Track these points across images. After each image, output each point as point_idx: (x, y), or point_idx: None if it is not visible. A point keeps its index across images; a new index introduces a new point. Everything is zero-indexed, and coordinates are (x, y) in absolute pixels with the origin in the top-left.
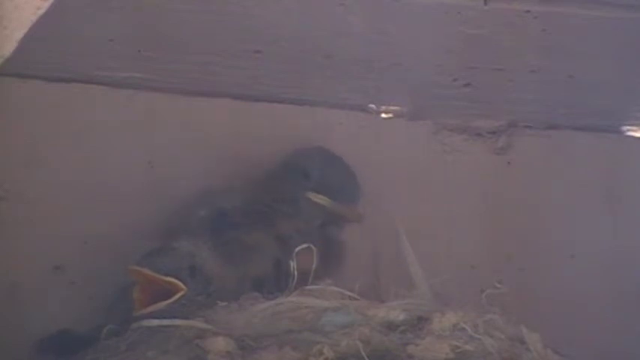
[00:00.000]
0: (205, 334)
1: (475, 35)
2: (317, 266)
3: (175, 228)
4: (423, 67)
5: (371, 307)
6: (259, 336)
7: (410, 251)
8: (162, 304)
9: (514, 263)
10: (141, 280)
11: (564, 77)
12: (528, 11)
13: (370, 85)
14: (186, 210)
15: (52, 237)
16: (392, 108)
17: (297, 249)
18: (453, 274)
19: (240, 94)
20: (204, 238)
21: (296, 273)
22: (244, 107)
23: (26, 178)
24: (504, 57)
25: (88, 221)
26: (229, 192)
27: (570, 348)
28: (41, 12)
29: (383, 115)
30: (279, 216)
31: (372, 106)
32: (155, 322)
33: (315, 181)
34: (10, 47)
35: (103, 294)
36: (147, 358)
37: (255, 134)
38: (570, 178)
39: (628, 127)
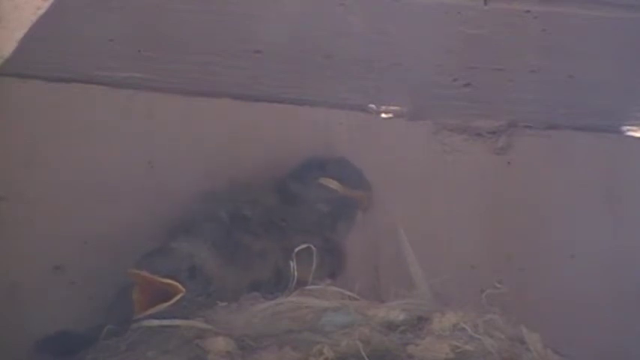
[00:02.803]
0: (205, 334)
1: (475, 35)
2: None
3: (186, 226)
4: (423, 67)
5: (371, 307)
6: (259, 336)
7: (410, 251)
8: (162, 307)
9: (514, 263)
10: (140, 282)
11: (564, 77)
12: (528, 11)
13: (370, 85)
14: (203, 208)
15: (52, 237)
16: (392, 108)
17: (296, 249)
18: (453, 274)
19: (240, 94)
20: (204, 237)
21: (296, 273)
22: (244, 107)
23: (26, 178)
24: (504, 57)
25: (88, 221)
26: (252, 201)
27: (570, 348)
28: (41, 12)
29: (383, 115)
30: (294, 232)
31: (372, 106)
32: (155, 322)
33: (329, 172)
34: (10, 47)
35: (103, 294)
36: (147, 358)
37: (255, 134)
38: (570, 178)
39: (628, 127)
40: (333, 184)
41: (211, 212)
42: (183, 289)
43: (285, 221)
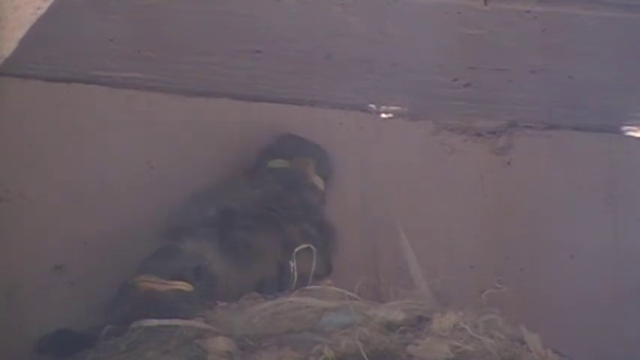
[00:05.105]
0: (205, 334)
1: (475, 35)
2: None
3: (179, 227)
4: (423, 67)
5: (371, 307)
6: (259, 336)
7: (410, 251)
8: None
9: (514, 263)
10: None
11: (564, 77)
12: (528, 11)
13: (370, 85)
14: (191, 208)
15: (52, 237)
16: (392, 108)
17: (297, 249)
18: (453, 274)
19: (240, 94)
20: (210, 238)
21: (296, 273)
22: (244, 107)
23: (26, 178)
24: (504, 57)
25: (88, 221)
26: (237, 191)
27: (570, 348)
28: (41, 12)
29: (383, 115)
30: (286, 221)
31: (372, 106)
32: (155, 322)
33: (274, 152)
34: (10, 47)
35: (103, 294)
36: (147, 358)
37: (255, 134)
38: (570, 178)
39: (628, 127)
40: (278, 163)
41: (202, 211)
42: (192, 287)
43: (274, 211)
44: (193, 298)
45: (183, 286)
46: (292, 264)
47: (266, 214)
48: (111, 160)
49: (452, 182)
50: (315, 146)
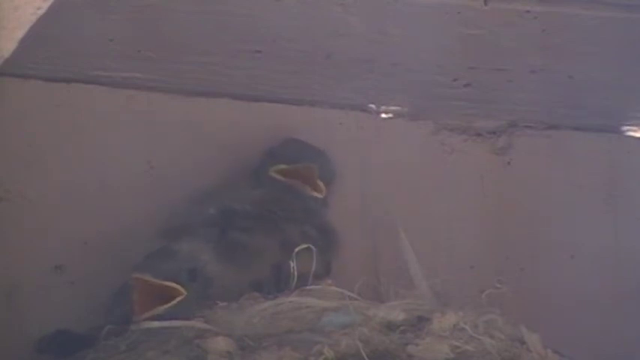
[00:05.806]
0: (205, 334)
1: (475, 35)
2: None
3: (178, 227)
4: (423, 67)
5: (371, 307)
6: (259, 336)
7: (410, 251)
8: (161, 309)
9: (514, 263)
10: (141, 285)
11: (564, 77)
12: (528, 11)
13: (370, 85)
14: (191, 208)
15: (52, 237)
16: (392, 108)
17: (296, 249)
18: (453, 274)
19: (240, 94)
20: (208, 238)
21: (296, 273)
22: (244, 107)
23: (26, 178)
24: (504, 57)
25: (88, 221)
26: (237, 192)
27: (570, 348)
28: (41, 12)
29: (383, 115)
30: (286, 222)
31: (372, 106)
32: (155, 322)
33: (276, 155)
34: (10, 47)
35: (103, 294)
36: (147, 358)
37: (255, 134)
38: (570, 178)
39: (628, 127)
40: (280, 169)
41: (202, 210)
42: (184, 292)
43: (274, 212)
44: (189, 300)
45: (177, 287)
46: (292, 264)
47: (266, 215)
48: (111, 160)
49: (452, 182)
50: (318, 151)
